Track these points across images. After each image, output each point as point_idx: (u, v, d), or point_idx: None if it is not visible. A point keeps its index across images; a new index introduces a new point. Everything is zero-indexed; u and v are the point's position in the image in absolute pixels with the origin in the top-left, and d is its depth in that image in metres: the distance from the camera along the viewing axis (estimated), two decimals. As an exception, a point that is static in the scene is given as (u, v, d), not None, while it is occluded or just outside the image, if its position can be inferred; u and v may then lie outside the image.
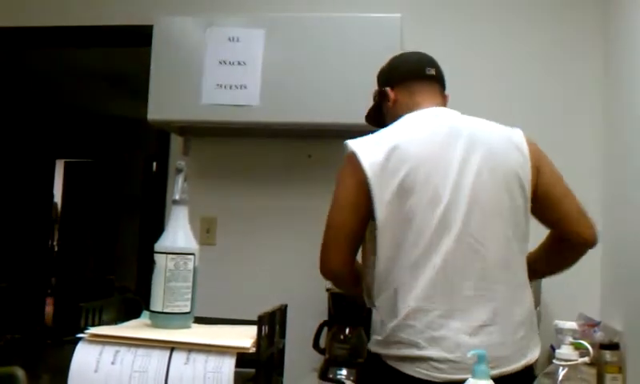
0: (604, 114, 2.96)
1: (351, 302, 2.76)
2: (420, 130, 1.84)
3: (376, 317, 1.84)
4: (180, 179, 1.45)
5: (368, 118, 2.18)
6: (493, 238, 1.73)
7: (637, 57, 2.55)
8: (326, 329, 2.83)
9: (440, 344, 1.65)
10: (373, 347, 1.81)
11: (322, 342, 2.83)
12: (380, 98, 2.07)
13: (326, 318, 2.85)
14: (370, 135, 1.86)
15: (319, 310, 2.92)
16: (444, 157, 1.76)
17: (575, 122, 3.02)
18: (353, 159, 1.81)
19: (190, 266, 1.47)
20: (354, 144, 1.84)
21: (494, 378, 1.20)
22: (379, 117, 2.09)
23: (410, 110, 1.93)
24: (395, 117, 1.95)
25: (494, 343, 1.65)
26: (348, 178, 1.85)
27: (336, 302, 2.81)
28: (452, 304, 1.68)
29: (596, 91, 3.00)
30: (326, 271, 2.02)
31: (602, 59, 3.00)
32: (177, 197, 1.46)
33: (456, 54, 3.08)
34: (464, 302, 1.68)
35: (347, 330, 2.75)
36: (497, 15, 3.12)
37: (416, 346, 1.67)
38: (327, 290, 2.85)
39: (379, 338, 1.78)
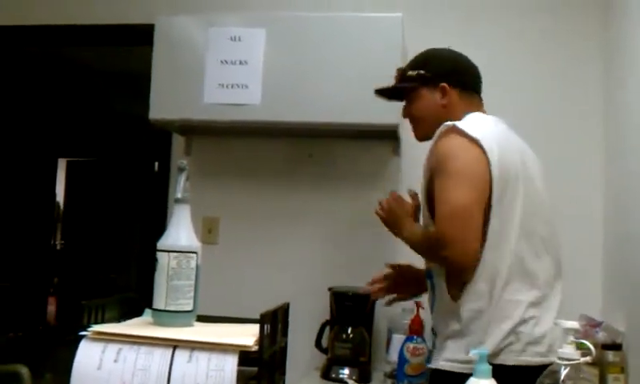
0: (605, 115, 2.96)
1: (354, 302, 2.78)
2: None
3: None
4: (182, 178, 1.45)
5: (383, 91, 2.20)
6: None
7: (637, 56, 2.55)
8: (328, 328, 2.84)
9: None
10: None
11: (325, 342, 2.83)
12: (426, 85, 2.04)
13: (328, 317, 2.86)
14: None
15: (321, 309, 2.92)
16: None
17: (576, 122, 3.02)
18: (465, 137, 1.84)
19: (193, 264, 1.47)
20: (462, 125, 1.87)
21: None
22: (398, 95, 2.14)
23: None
24: (442, 115, 1.96)
25: None
26: (466, 155, 1.83)
27: (338, 301, 2.82)
28: None
29: (597, 92, 3.00)
30: (458, 261, 1.79)
31: (602, 59, 3.00)
32: (179, 195, 1.46)
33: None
34: None
35: (349, 330, 2.76)
36: (498, 15, 3.12)
37: None
38: (329, 289, 2.86)
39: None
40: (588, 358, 1.20)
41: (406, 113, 2.12)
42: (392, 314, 2.80)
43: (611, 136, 2.89)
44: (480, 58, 3.04)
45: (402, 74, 2.09)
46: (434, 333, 2.00)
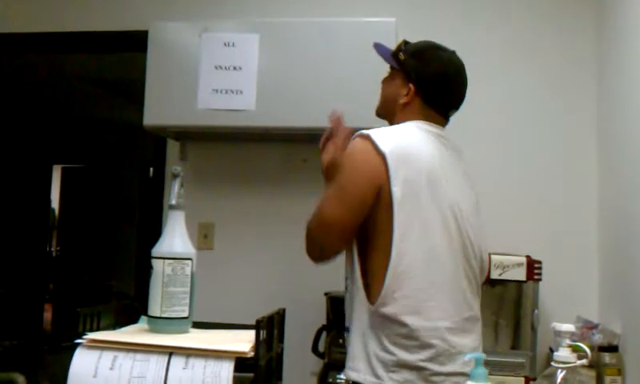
0: (600, 116, 2.97)
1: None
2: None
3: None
4: (176, 184, 1.45)
5: (382, 48, 2.13)
6: None
7: (631, 57, 2.55)
8: (324, 333, 2.83)
9: None
10: None
11: (321, 346, 2.83)
12: (403, 74, 1.99)
13: (324, 322, 2.85)
14: None
15: (318, 314, 2.92)
16: None
17: (572, 123, 3.03)
18: (367, 141, 1.88)
19: (188, 270, 1.47)
20: None
21: None
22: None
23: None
24: (397, 111, 1.96)
25: None
26: (357, 159, 1.90)
27: (334, 306, 2.81)
28: None
29: (590, 97, 3.01)
30: (313, 258, 2.00)
31: (596, 59, 3.01)
32: (173, 202, 1.46)
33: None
34: None
35: (346, 334, 2.75)
36: (492, 19, 3.13)
37: None
38: (325, 294, 2.86)
39: None
40: (584, 361, 1.20)
41: (381, 84, 2.08)
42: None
43: (605, 139, 2.90)
44: (473, 62, 3.07)
45: (397, 49, 2.02)
46: None
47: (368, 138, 1.82)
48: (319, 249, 1.89)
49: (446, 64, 1.96)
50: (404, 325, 1.71)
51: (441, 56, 1.97)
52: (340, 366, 2.71)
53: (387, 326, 1.73)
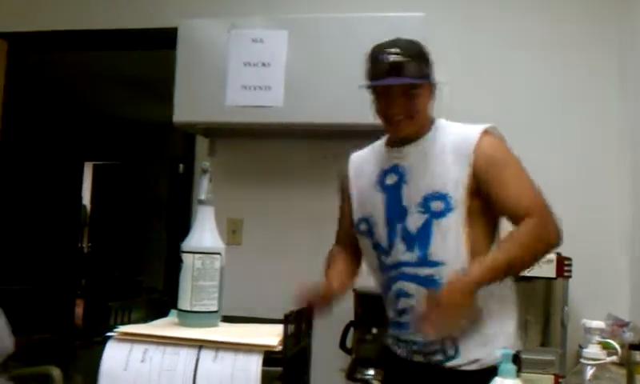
0: (625, 114, 2.92)
1: (378, 302, 2.77)
2: None
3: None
4: (205, 180, 1.46)
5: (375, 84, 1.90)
6: None
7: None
8: (352, 329, 2.83)
9: None
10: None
11: (349, 342, 2.83)
12: (430, 83, 1.88)
13: (352, 318, 2.85)
14: None
15: (346, 309, 2.91)
16: None
17: (599, 120, 2.99)
18: (502, 138, 1.86)
19: (217, 264, 1.49)
20: None
21: None
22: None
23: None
24: (427, 115, 1.90)
25: None
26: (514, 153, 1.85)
27: (362, 301, 2.81)
28: None
29: (613, 93, 2.96)
30: (560, 238, 1.80)
31: (616, 54, 2.97)
32: (202, 197, 1.48)
33: (479, 52, 3.07)
34: None
35: (374, 330, 2.75)
36: (518, 14, 3.10)
37: None
38: (353, 290, 2.85)
39: None
40: (614, 358, 1.18)
41: (405, 108, 1.83)
42: (416, 313, 2.80)
43: (637, 133, 2.85)
44: (500, 56, 3.05)
45: (416, 69, 1.83)
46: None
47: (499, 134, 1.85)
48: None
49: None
50: None
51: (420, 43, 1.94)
52: (367, 362, 2.72)
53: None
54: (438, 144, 1.84)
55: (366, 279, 2.90)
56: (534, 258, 1.79)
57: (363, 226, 1.92)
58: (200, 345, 1.32)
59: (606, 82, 3.00)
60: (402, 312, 1.86)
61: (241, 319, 1.59)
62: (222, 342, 1.31)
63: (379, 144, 2.01)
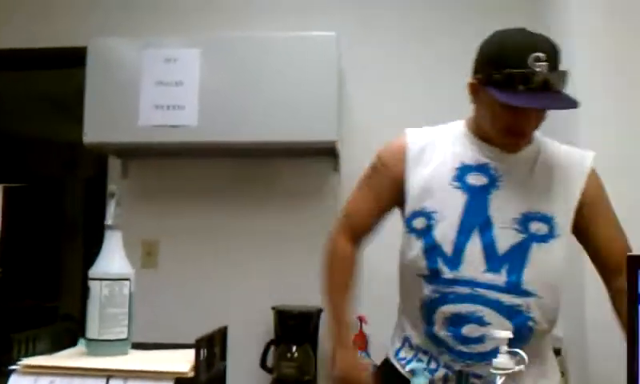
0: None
1: (298, 320, 2.77)
2: None
3: None
4: (112, 204, 1.42)
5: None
6: None
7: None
8: (273, 348, 2.82)
9: None
10: None
11: (270, 361, 2.81)
12: None
13: (272, 337, 2.84)
14: None
15: (265, 329, 2.91)
16: None
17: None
18: None
19: (126, 291, 1.45)
20: None
21: None
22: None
23: None
24: None
25: None
26: None
27: (282, 320, 2.81)
28: None
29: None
30: None
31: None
32: (109, 222, 1.43)
33: (390, 70, 3.12)
34: None
35: (294, 348, 2.75)
36: (433, 34, 3.16)
37: None
38: (273, 308, 2.84)
39: None
40: (522, 367, 1.21)
41: (540, 121, 1.59)
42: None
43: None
44: (416, 75, 3.11)
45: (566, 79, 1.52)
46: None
47: None
48: None
49: None
50: None
51: None
52: (288, 381, 2.71)
53: None
54: (540, 159, 1.64)
55: (285, 297, 2.92)
56: None
57: (419, 223, 1.62)
58: (108, 375, 1.28)
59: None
60: (468, 339, 1.55)
61: (154, 346, 1.55)
62: (130, 371, 1.27)
63: (457, 130, 1.71)
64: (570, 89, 1.50)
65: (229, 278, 3.08)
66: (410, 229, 1.63)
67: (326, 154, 2.96)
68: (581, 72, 2.28)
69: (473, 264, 1.54)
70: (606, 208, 1.65)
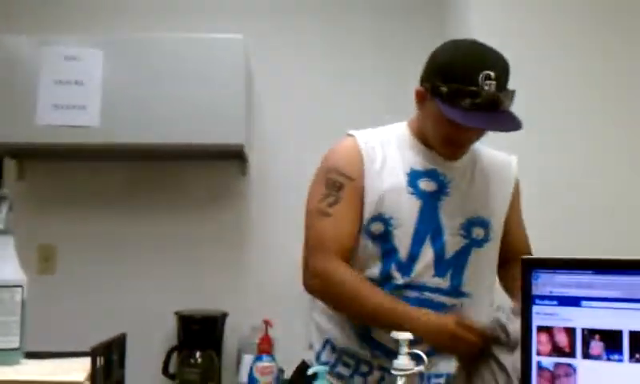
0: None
1: (201, 325, 2.73)
2: None
3: None
4: (4, 208, 1.35)
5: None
6: None
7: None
8: (176, 354, 2.77)
9: None
10: None
11: (172, 368, 2.76)
12: None
13: (175, 343, 2.79)
14: None
15: (168, 335, 2.85)
16: None
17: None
18: None
19: (18, 298, 1.38)
20: None
21: None
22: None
23: None
24: None
25: None
26: None
27: (185, 325, 2.77)
28: None
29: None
30: None
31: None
32: (1, 226, 1.36)
33: (299, 74, 3.12)
34: None
35: (197, 354, 2.71)
36: (335, 36, 3.18)
37: None
38: (175, 313, 2.80)
39: None
40: (422, 367, 1.23)
41: (478, 136, 1.60)
42: (241, 335, 2.80)
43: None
44: (326, 79, 3.11)
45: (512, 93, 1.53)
46: None
47: None
48: None
49: None
50: None
51: None
52: (192, 387, 2.67)
53: None
54: (478, 165, 1.68)
55: (188, 301, 2.87)
56: None
57: (376, 227, 1.59)
58: (-2, 386, 1.22)
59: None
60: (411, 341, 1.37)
61: (48, 354, 1.48)
62: (21, 381, 1.22)
63: (400, 133, 1.69)
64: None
65: (130, 283, 3.00)
66: (367, 233, 1.60)
67: (234, 157, 2.93)
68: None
69: (424, 270, 1.57)
70: (520, 209, 1.74)
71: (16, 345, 1.37)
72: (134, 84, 2.75)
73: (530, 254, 1.63)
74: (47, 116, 2.72)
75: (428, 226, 1.59)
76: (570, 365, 1.09)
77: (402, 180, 1.60)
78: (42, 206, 3.02)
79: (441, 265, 1.58)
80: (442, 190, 1.61)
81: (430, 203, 1.60)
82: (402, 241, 1.57)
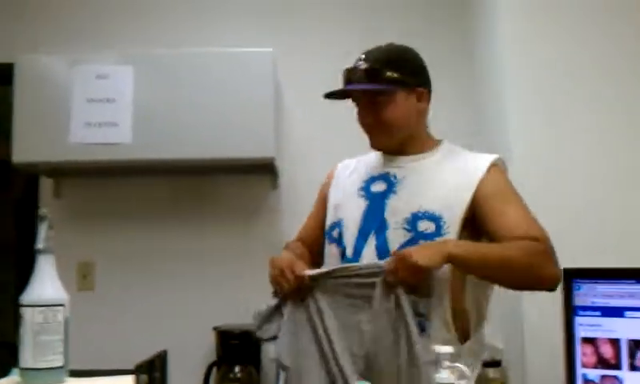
0: (473, 140, 3.07)
1: (240, 340, 2.73)
2: None
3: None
4: (43, 227, 1.37)
5: (333, 94, 1.90)
6: None
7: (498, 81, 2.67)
8: (215, 369, 2.77)
9: None
10: None
11: (212, 383, 2.76)
12: (404, 88, 1.76)
13: (214, 358, 2.79)
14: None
15: (207, 351, 2.86)
16: None
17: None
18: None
19: (60, 317, 1.40)
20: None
21: None
22: (346, 94, 1.86)
23: (428, 131, 1.85)
24: (415, 122, 1.79)
25: None
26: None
27: (224, 340, 2.77)
28: None
29: (465, 119, 3.08)
30: (560, 282, 1.47)
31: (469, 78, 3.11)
32: (40, 246, 1.38)
33: (329, 85, 3.11)
34: None
35: (237, 369, 2.71)
36: (364, 45, 3.15)
37: None
38: (214, 328, 2.80)
39: None
40: (464, 381, 1.22)
41: (369, 118, 1.79)
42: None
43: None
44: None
45: (375, 74, 1.76)
46: None
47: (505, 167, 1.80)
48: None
49: (412, 49, 1.87)
50: None
51: (407, 47, 1.86)
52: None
53: None
54: (441, 166, 1.75)
55: (226, 316, 2.87)
56: (516, 276, 1.59)
57: (335, 232, 1.77)
58: (43, 405, 1.23)
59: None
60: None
61: (91, 373, 1.50)
62: (67, 401, 1.23)
63: (376, 153, 1.87)
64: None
65: (168, 299, 3.02)
66: (329, 237, 1.80)
67: (265, 170, 2.94)
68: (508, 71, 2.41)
69: None
70: (503, 201, 1.68)
71: (60, 363, 1.39)
72: (164, 99, 2.77)
73: (523, 234, 1.59)
74: (80, 134, 2.76)
75: (372, 223, 1.71)
76: (616, 377, 1.07)
77: (357, 187, 1.80)
78: (78, 223, 3.05)
79: (385, 258, 1.61)
80: (390, 188, 1.74)
81: (376, 202, 1.74)
82: (349, 240, 1.72)
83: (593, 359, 1.10)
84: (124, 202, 3.11)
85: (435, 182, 1.72)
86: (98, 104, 2.76)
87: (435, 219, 1.66)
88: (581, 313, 1.14)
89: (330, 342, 1.58)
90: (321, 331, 1.60)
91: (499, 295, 2.67)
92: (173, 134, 2.73)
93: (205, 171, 3.01)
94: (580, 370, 1.11)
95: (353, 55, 3.08)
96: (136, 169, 2.92)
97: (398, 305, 1.50)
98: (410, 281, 1.50)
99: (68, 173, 3.02)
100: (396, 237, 1.66)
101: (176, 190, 3.09)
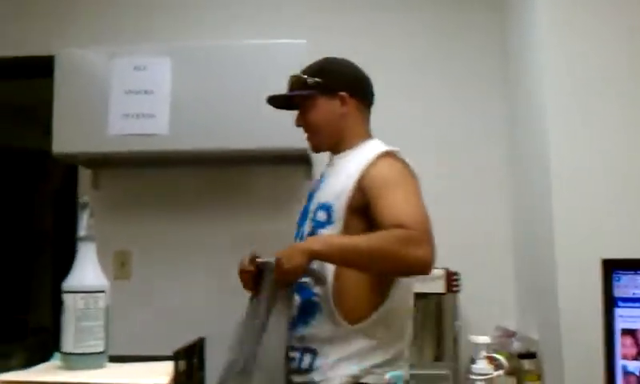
0: (510, 130, 3.05)
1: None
2: None
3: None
4: (85, 215, 1.40)
5: (274, 99, 2.11)
6: None
7: (533, 73, 2.64)
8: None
9: None
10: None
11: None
12: (324, 93, 1.94)
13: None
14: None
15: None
16: None
17: (484, 137, 3.10)
18: (405, 163, 1.84)
19: (101, 303, 1.43)
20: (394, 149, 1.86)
21: None
22: (290, 104, 2.06)
23: (362, 131, 1.97)
24: (340, 124, 1.93)
25: None
26: (414, 179, 1.82)
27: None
28: None
29: (502, 108, 3.08)
30: (430, 264, 1.64)
31: (503, 75, 3.10)
32: (82, 233, 1.41)
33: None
34: None
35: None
36: (402, 42, 3.18)
37: None
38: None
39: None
40: (501, 372, 1.22)
41: (301, 122, 2.01)
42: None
43: (516, 152, 2.98)
44: (389, 80, 3.12)
45: (297, 82, 2.00)
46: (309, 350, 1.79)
47: (402, 159, 1.85)
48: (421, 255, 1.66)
49: (345, 61, 2.05)
50: None
51: (336, 58, 2.06)
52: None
53: None
54: (349, 161, 1.88)
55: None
56: (389, 262, 1.66)
57: None
58: (85, 389, 1.26)
59: (494, 110, 3.09)
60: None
61: (130, 358, 1.52)
62: (108, 385, 1.26)
63: None
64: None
65: (204, 287, 3.06)
66: None
67: (299, 161, 2.95)
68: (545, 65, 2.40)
69: None
70: (387, 188, 1.75)
71: (101, 349, 1.42)
72: (200, 91, 2.80)
73: (393, 221, 1.66)
74: (118, 125, 2.80)
75: (303, 219, 1.92)
76: (657, 368, 1.06)
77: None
78: (116, 213, 3.10)
79: None
80: (318, 185, 1.95)
81: (309, 199, 1.95)
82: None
83: (633, 351, 1.08)
84: (160, 193, 3.15)
85: (337, 176, 1.86)
86: (135, 96, 2.80)
87: (327, 208, 1.81)
88: (621, 304, 1.12)
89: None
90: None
91: (532, 286, 2.66)
92: (208, 125, 2.76)
93: (240, 162, 3.03)
94: (620, 362, 1.09)
95: (385, 48, 3.14)
96: (172, 160, 2.95)
97: (274, 298, 1.74)
98: (285, 280, 1.71)
99: (106, 164, 3.07)
100: (307, 228, 1.86)
101: (211, 180, 3.12)
